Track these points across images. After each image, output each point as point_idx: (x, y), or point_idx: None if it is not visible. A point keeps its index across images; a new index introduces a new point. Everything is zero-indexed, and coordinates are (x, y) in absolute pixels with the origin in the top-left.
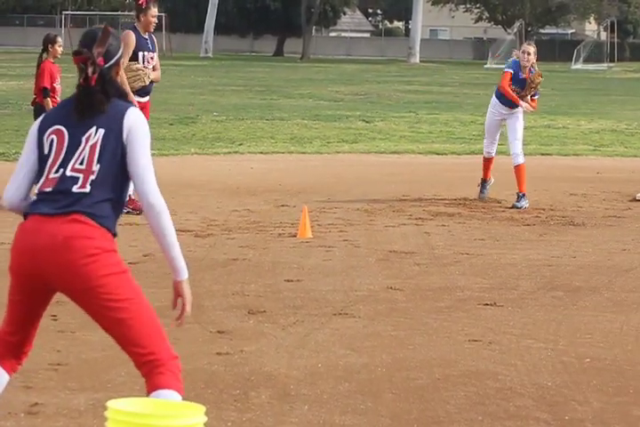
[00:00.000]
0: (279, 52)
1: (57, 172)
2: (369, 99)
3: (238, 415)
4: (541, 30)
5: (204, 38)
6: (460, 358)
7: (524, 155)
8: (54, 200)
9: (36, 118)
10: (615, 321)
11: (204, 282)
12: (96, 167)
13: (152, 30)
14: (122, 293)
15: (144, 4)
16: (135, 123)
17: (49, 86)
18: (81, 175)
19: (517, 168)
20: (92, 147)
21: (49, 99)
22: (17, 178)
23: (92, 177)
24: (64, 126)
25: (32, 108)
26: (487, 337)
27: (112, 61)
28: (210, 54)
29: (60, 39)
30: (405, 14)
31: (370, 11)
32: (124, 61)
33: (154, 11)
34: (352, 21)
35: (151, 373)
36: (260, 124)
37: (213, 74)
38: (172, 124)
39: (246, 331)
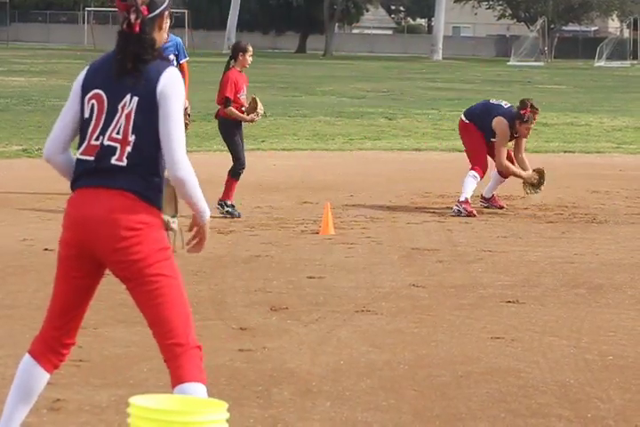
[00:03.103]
0: (302, 48)
1: (97, 139)
2: (391, 96)
3: (260, 412)
4: (564, 27)
5: (226, 35)
6: (483, 355)
7: None
8: (96, 173)
9: (221, 131)
10: (638, 319)
11: (227, 279)
12: (131, 138)
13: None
14: (159, 269)
15: (526, 115)
16: (166, 86)
17: (232, 97)
18: (118, 146)
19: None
20: (127, 116)
21: (232, 108)
22: (54, 130)
23: (129, 149)
24: (103, 91)
25: (216, 120)
26: (509, 334)
27: (156, 12)
28: None
29: (251, 48)
30: (428, 11)
31: (392, 8)
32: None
33: (531, 124)
34: (375, 18)
35: (173, 360)
36: (282, 120)
37: None
38: (194, 121)
39: (268, 328)
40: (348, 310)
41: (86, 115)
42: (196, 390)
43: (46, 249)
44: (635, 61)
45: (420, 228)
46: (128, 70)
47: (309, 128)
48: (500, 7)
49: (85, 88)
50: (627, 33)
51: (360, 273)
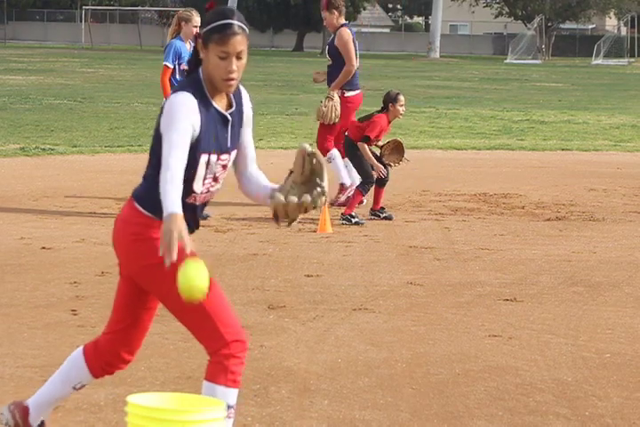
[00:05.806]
0: (299, 46)
1: None
2: None
3: (258, 410)
4: (561, 25)
5: None
6: (480, 353)
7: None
8: None
9: (345, 148)
10: (636, 316)
11: (224, 277)
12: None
13: None
14: (157, 286)
15: None
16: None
17: (373, 137)
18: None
19: None
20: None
21: (366, 145)
22: None
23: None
24: None
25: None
26: (507, 332)
27: None
28: None
29: (402, 97)
30: (425, 9)
31: (390, 6)
32: None
33: None
34: (372, 16)
35: (209, 360)
36: (280, 119)
37: None
38: None
39: (266, 326)
40: (346, 309)
41: None
42: (214, 390)
43: (44, 248)
44: (632, 59)
45: (418, 226)
46: None
47: (307, 126)
48: (497, 5)
49: None
50: (624, 31)
51: (357, 271)
